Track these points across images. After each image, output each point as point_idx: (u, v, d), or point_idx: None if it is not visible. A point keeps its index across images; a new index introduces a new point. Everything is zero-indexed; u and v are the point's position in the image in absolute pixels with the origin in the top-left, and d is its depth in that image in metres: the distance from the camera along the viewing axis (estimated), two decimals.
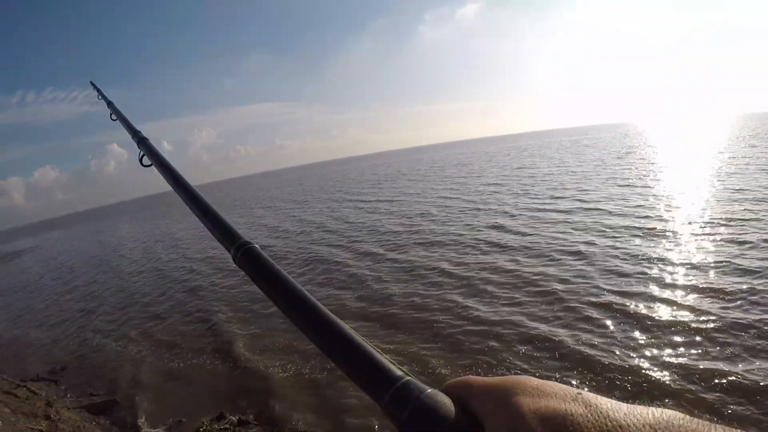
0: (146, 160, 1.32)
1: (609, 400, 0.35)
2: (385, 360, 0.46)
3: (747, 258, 8.25)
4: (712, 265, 8.17)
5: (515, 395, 0.37)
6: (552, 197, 17.79)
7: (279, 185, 69.33)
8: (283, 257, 14.42)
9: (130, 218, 58.24)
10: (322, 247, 14.92)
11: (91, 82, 2.39)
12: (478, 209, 17.37)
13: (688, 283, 7.47)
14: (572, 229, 12.33)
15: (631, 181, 19.95)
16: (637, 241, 10.36)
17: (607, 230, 11.64)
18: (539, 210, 15.51)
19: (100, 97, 2.13)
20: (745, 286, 6.99)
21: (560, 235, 11.73)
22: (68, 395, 7.33)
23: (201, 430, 5.93)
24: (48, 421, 5.76)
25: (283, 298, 0.58)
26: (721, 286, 7.08)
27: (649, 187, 17.63)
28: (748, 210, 11.68)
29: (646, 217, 12.60)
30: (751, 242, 9.03)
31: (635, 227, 11.54)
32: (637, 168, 24.96)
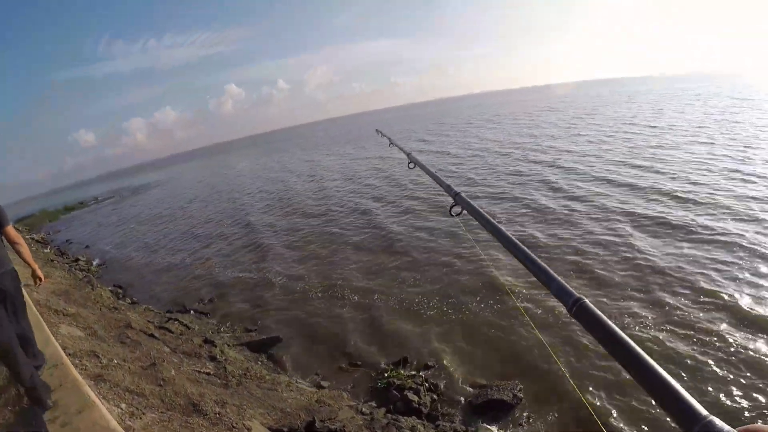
0: (456, 209, 1.55)
1: None
2: (690, 398, 0.60)
3: None
4: None
5: None
6: None
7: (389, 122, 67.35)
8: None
9: (243, 155, 60.44)
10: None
11: (389, 139, 3.43)
12: None
13: None
14: None
15: None
16: None
17: None
18: None
19: (393, 146, 2.93)
20: None
21: None
22: (221, 330, 6.55)
23: (387, 374, 4.75)
24: (214, 362, 4.83)
25: (615, 348, 0.71)
26: None
27: None
28: None
29: None
30: None
31: None
32: None
